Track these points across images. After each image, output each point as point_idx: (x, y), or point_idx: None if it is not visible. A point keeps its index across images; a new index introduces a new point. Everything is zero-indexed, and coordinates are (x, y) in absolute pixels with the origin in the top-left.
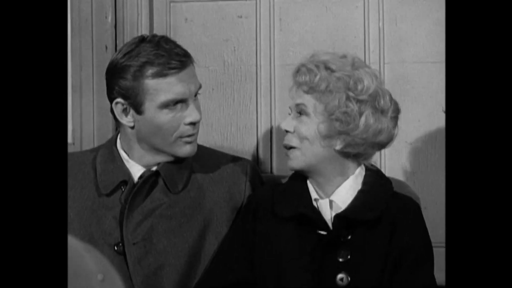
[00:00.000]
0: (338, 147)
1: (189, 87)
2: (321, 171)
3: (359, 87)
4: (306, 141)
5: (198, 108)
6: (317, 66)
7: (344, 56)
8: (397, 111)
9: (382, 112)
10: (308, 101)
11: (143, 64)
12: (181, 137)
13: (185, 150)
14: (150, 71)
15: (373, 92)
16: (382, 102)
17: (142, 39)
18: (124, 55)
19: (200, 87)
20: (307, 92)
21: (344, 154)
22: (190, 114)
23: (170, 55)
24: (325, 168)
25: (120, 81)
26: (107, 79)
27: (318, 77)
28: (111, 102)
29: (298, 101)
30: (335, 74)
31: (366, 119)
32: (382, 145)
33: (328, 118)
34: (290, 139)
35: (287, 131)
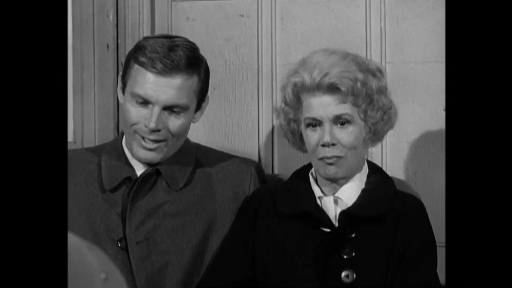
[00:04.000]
0: (371, 144)
1: (158, 94)
2: (351, 172)
3: (383, 79)
4: (353, 149)
5: (168, 121)
6: (350, 72)
7: (346, 56)
8: None
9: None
10: (350, 109)
11: (141, 48)
12: (137, 133)
13: (141, 153)
14: (139, 58)
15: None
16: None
17: (168, 36)
18: (151, 37)
19: (176, 104)
20: (343, 101)
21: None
22: (149, 118)
23: (163, 57)
24: (355, 167)
25: (126, 59)
26: None
27: (359, 83)
28: None
29: (339, 112)
30: (359, 76)
31: (395, 108)
32: None
33: (370, 121)
34: (333, 151)
35: (333, 145)
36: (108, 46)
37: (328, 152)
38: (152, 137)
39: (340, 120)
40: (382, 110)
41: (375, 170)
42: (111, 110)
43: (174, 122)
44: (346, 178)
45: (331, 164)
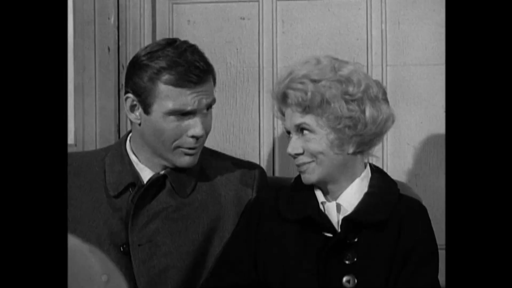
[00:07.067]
0: (351, 150)
1: (200, 101)
2: (334, 177)
3: (351, 87)
4: (320, 155)
5: (205, 122)
6: (302, 83)
7: (319, 62)
8: (384, 91)
9: (377, 99)
10: (308, 119)
11: (161, 69)
12: (180, 147)
13: (183, 160)
14: (165, 77)
15: (364, 86)
16: (374, 90)
17: (170, 42)
18: (147, 53)
19: (213, 101)
20: (303, 112)
21: (357, 153)
22: (194, 127)
23: (190, 67)
24: (339, 172)
25: (136, 78)
26: (126, 72)
27: (309, 93)
28: (124, 94)
29: (298, 121)
30: (323, 83)
31: (371, 114)
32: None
33: (335, 128)
34: (302, 158)
35: (297, 155)
36: (109, 49)
37: (296, 161)
38: (198, 144)
39: (300, 129)
40: (345, 117)
41: (378, 174)
42: (112, 112)
43: (208, 120)
44: (343, 182)
45: (303, 171)
